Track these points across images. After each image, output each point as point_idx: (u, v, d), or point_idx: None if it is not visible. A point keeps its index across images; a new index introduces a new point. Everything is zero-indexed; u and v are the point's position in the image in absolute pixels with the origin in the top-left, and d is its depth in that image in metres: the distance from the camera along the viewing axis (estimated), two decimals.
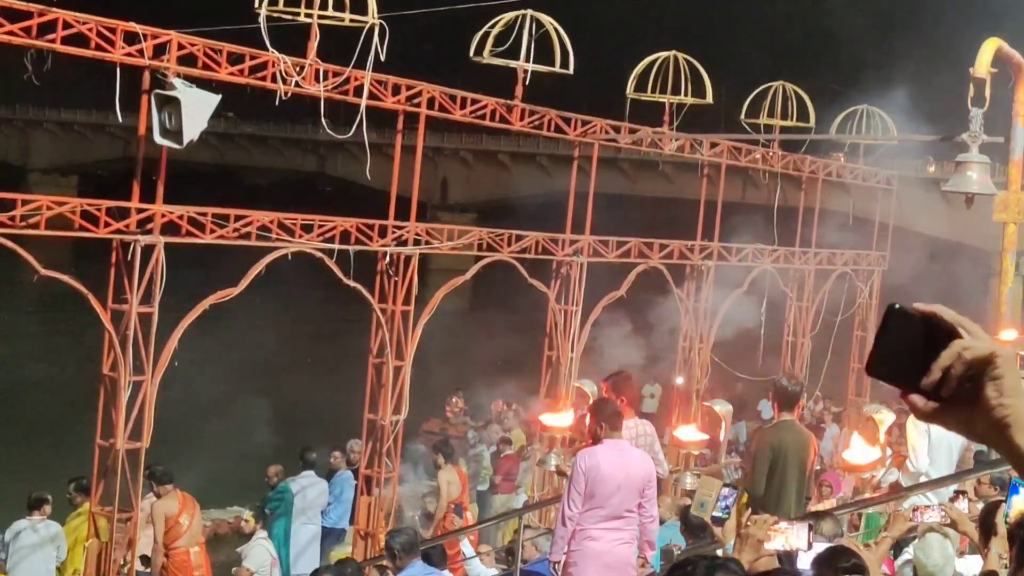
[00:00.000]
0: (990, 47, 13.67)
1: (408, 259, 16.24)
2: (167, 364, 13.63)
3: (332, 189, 72.12)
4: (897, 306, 2.09)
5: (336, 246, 15.26)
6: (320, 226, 15.27)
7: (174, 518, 14.61)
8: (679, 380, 21.96)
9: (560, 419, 13.41)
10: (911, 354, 2.07)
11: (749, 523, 5.26)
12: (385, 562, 12.13)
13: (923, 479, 11.27)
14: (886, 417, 12.86)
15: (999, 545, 6.38)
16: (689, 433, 14.22)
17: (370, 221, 15.99)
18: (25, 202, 12.66)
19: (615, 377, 12.99)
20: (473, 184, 70.14)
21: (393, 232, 16.15)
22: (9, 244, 12.38)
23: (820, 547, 5.81)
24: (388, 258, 16.08)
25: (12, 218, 12.40)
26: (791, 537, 5.19)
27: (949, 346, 2.04)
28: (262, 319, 35.65)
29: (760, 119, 22.49)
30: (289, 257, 14.85)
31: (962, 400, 2.04)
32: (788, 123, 22.61)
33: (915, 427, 11.66)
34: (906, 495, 10.73)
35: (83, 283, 13.14)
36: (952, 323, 2.06)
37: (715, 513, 7.00)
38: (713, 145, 21.45)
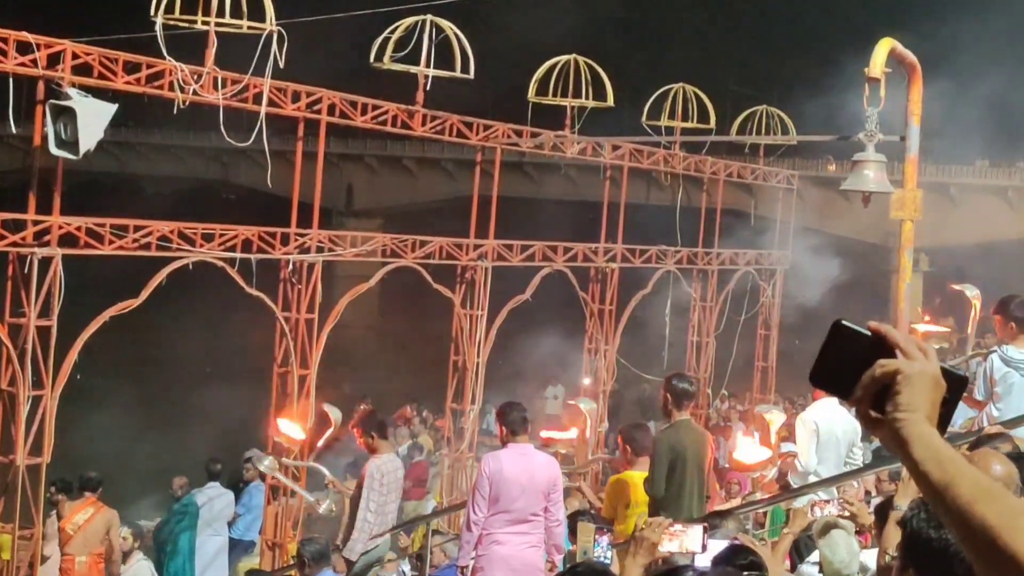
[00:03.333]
0: (884, 47, 13.85)
1: (311, 267, 16.16)
2: (67, 377, 13.45)
3: (236, 197, 71.41)
4: (843, 322, 2.17)
5: (238, 255, 15.15)
6: (221, 235, 15.15)
7: (62, 523, 14.33)
8: (586, 381, 22.09)
9: (294, 430, 13.44)
10: (852, 367, 2.16)
11: (644, 526, 5.26)
12: (294, 572, 12.06)
13: (812, 478, 11.34)
14: (776, 417, 13.00)
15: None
16: (556, 433, 14.29)
17: (272, 229, 15.89)
18: None
19: (361, 417, 13.17)
20: (378, 190, 69.79)
21: (296, 239, 16.06)
22: None
23: (719, 545, 5.85)
24: (291, 266, 15.98)
25: None
26: (686, 540, 5.22)
27: (873, 366, 2.13)
28: (167, 329, 35.31)
29: (661, 121, 22.64)
30: (190, 267, 14.71)
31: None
32: (689, 124, 22.78)
33: (803, 427, 11.67)
34: (801, 493, 10.82)
35: None
36: (894, 342, 2.13)
37: (598, 559, 7.01)
38: (615, 147, 21.56)
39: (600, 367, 21.78)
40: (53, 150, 12.91)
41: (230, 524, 17.35)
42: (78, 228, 13.66)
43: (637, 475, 11.02)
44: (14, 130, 13.21)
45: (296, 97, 15.77)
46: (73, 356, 13.50)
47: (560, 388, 29.47)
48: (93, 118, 12.89)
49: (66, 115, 12.80)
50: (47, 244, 13.30)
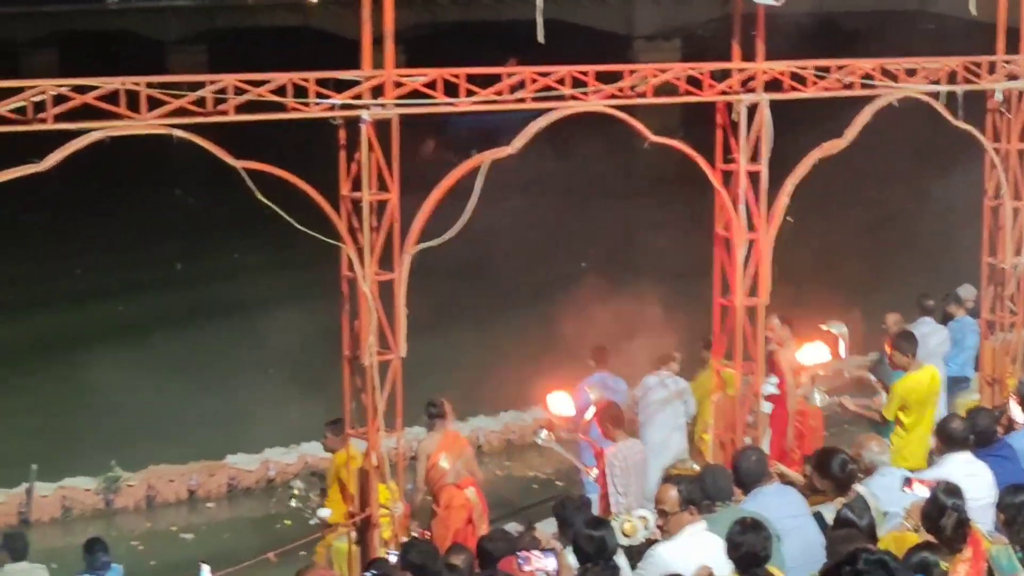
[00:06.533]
0: None
1: (1021, 94, 15.51)
2: (779, 222, 13.73)
3: (935, 27, 69.61)
4: None
5: (943, 87, 14.77)
6: (924, 68, 14.82)
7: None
8: None
9: (564, 407, 12.90)
10: None
11: None
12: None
13: None
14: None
15: None
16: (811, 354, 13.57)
17: (977, 59, 15.34)
18: (632, 72, 13.08)
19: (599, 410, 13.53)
20: None
21: (1002, 67, 15.44)
22: (620, 115, 12.83)
23: None
24: (1000, 95, 15.41)
25: (621, 89, 12.84)
26: None
27: None
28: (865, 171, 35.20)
29: None
30: (895, 103, 14.51)
31: None
32: None
33: None
34: None
35: (691, 146, 13.42)
36: None
37: None
38: None
39: None
40: None
41: (945, 361, 17.20)
42: (781, 72, 13.83)
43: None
44: None
45: None
46: (783, 199, 13.75)
47: None
48: None
49: None
50: (752, 91, 13.59)
